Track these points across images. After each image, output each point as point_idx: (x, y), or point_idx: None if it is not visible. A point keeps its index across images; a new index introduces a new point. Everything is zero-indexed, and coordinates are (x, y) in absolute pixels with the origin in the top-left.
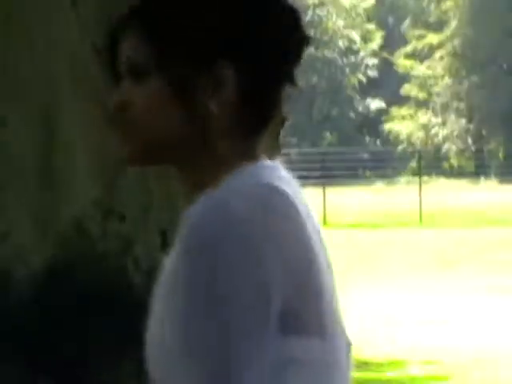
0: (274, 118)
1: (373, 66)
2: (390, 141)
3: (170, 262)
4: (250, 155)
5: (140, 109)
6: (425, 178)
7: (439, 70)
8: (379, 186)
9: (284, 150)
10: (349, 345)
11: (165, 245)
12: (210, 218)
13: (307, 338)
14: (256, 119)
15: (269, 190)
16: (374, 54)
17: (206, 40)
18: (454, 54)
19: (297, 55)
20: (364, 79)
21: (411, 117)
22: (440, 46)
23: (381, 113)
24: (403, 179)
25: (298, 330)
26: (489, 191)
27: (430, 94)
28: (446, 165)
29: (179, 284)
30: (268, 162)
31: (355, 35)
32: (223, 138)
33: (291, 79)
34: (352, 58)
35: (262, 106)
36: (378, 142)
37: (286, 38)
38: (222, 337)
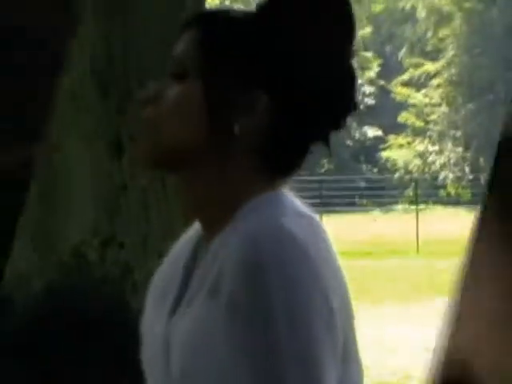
0: (299, 168)
1: (370, 93)
2: (387, 168)
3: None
4: (268, 184)
5: (170, 104)
6: (422, 205)
7: (436, 98)
8: (376, 214)
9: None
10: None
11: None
12: (278, 246)
13: (351, 364)
14: (282, 163)
15: (309, 218)
16: (372, 82)
17: (252, 67)
18: (451, 82)
19: (339, 122)
20: (361, 107)
21: (408, 145)
22: (437, 74)
23: (378, 141)
24: (400, 207)
25: (345, 357)
26: None
27: (427, 122)
28: (442, 193)
29: (259, 305)
30: (285, 191)
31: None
32: (239, 162)
33: (326, 141)
34: None
35: (289, 152)
36: (375, 169)
37: (335, 102)
38: (305, 352)
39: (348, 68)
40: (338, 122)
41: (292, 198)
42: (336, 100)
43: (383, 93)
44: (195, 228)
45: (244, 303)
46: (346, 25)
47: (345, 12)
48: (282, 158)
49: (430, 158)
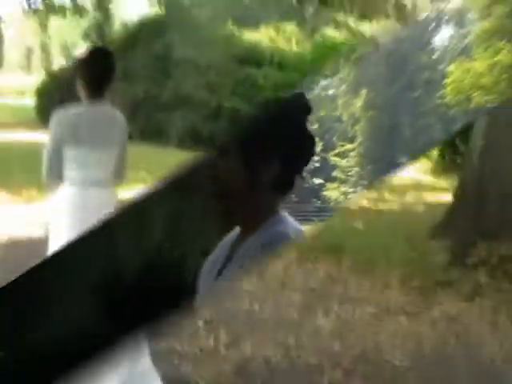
0: (290, 193)
1: (316, 160)
2: (326, 200)
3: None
4: (277, 209)
5: (221, 171)
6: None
7: (353, 163)
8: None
9: None
10: None
11: (204, 253)
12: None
13: None
14: (283, 194)
15: (300, 230)
16: (317, 154)
17: (269, 144)
18: (359, 155)
19: (308, 162)
20: (312, 167)
21: (337, 187)
22: (353, 150)
23: (321, 185)
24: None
25: None
26: None
27: (347, 175)
28: None
29: None
30: (285, 214)
31: None
32: (265, 198)
33: (301, 175)
34: None
35: (286, 187)
36: (319, 201)
37: (306, 160)
38: None
39: (311, 136)
40: (308, 162)
41: (289, 218)
42: (309, 152)
43: (323, 159)
44: (232, 234)
45: None
46: (308, 113)
47: (308, 107)
48: (285, 189)
49: (349, 196)
